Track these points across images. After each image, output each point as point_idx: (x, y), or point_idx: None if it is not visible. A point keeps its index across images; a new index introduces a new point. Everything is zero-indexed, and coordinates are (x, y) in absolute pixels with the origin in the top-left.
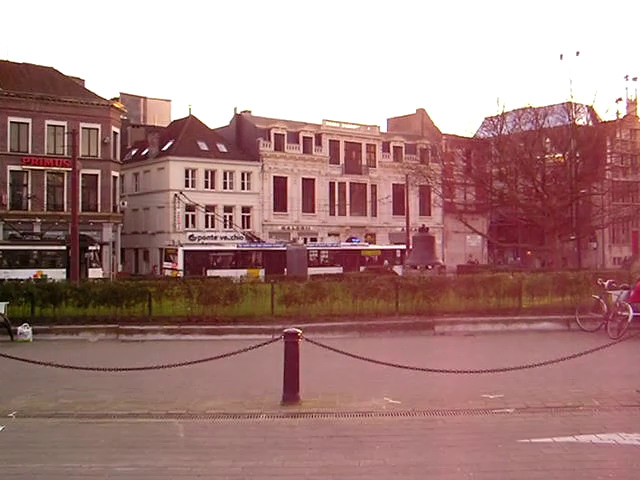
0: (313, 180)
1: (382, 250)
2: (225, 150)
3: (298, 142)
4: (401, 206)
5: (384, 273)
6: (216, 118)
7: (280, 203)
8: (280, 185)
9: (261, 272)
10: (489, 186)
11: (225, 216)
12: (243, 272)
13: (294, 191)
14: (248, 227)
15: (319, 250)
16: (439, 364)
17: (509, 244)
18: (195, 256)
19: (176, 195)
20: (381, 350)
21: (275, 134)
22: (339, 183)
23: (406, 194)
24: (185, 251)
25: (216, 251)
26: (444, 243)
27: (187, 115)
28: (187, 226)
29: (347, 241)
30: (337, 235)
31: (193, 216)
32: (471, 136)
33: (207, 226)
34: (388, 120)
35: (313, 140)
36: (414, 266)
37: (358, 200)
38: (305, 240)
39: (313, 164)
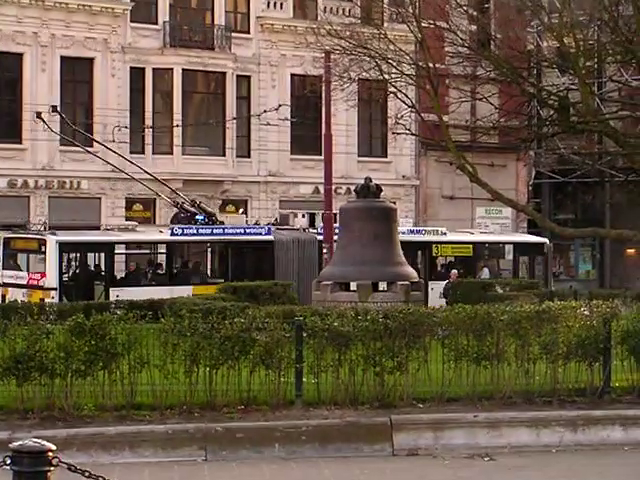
0: (90, 62)
1: (478, 244)
2: None
3: None
4: (312, 132)
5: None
6: None
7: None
8: (5, 73)
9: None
10: (533, 84)
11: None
12: (186, 290)
13: (40, 90)
14: None
15: None
16: None
17: (582, 230)
18: (82, 255)
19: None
20: None
21: None
22: (156, 71)
23: (325, 101)
24: (62, 244)
25: (127, 243)
26: (420, 223)
27: None
28: None
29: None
30: (150, 201)
31: None
32: None
33: None
34: None
35: None
36: (344, 283)
37: (201, 115)
38: (312, 219)
39: (91, 21)
